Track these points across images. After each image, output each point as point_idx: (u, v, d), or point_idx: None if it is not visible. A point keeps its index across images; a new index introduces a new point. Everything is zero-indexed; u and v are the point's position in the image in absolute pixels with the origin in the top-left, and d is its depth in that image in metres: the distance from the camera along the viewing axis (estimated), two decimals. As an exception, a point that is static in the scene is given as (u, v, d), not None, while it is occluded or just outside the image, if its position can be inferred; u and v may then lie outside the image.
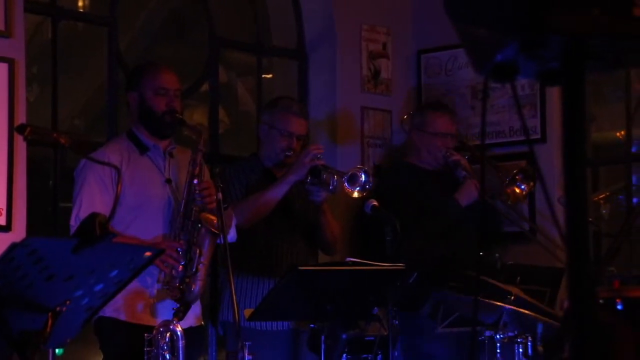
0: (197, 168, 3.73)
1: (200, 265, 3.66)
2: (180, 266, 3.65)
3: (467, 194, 4.69)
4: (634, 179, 5.27)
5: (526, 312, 3.90)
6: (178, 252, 3.65)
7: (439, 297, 4.17)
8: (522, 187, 4.71)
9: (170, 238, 3.72)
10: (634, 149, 5.33)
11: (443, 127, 4.82)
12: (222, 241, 3.61)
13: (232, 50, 5.41)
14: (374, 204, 4.15)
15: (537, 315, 3.91)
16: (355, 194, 4.13)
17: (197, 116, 5.47)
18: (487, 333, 4.00)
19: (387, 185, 4.87)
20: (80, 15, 5.14)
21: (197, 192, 3.70)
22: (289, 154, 4.29)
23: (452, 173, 4.78)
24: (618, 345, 2.76)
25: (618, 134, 5.59)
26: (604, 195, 5.48)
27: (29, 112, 4.17)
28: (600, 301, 2.74)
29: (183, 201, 3.72)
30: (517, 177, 4.72)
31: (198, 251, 3.67)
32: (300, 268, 3.65)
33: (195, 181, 3.71)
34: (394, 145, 5.33)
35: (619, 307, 2.75)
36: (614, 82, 5.47)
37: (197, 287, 3.65)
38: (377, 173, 5.17)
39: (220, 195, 3.64)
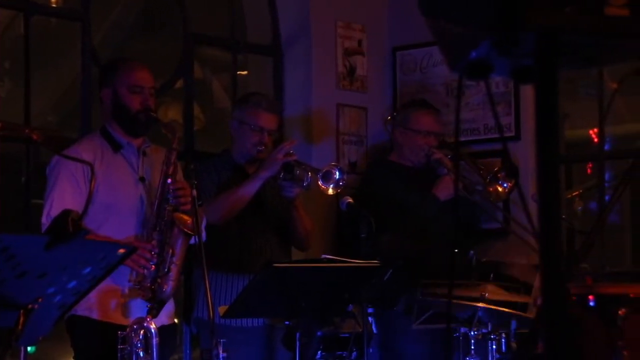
0: (171, 167, 3.70)
1: (173, 265, 3.64)
2: (152, 266, 3.63)
3: (445, 189, 4.70)
4: (606, 176, 5.31)
5: (500, 308, 3.92)
6: (150, 252, 3.63)
7: (412, 299, 4.18)
8: (505, 185, 4.72)
9: (143, 238, 3.70)
10: (606, 147, 5.37)
11: (427, 126, 4.83)
12: (196, 239, 3.60)
13: (207, 46, 5.40)
14: (349, 201, 4.15)
15: (512, 311, 3.93)
16: (330, 191, 4.13)
17: (172, 113, 5.45)
18: (462, 329, 4.01)
19: (368, 181, 4.88)
20: (53, 10, 5.10)
21: (171, 191, 3.68)
22: (260, 149, 4.28)
23: (434, 171, 4.80)
24: (590, 341, 2.78)
25: (591, 131, 5.63)
26: (577, 192, 5.52)
27: (1, 108, 4.14)
28: (573, 297, 2.76)
29: (156, 201, 3.69)
30: (498, 174, 4.72)
31: (170, 251, 3.64)
32: (275, 265, 3.64)
33: (169, 180, 3.69)
34: (377, 142, 5.34)
35: (591, 303, 2.77)
36: (587, 80, 5.51)
37: (169, 287, 3.63)
38: (354, 169, 5.18)
39: (194, 192, 3.63)
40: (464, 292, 4.00)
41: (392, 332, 4.56)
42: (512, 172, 4.74)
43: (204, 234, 3.87)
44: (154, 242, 3.66)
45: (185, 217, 3.64)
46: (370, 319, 3.86)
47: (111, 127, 3.85)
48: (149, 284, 3.63)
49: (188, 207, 3.64)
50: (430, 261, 4.52)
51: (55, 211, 3.57)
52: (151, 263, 3.63)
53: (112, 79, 3.83)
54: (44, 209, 3.69)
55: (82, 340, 3.74)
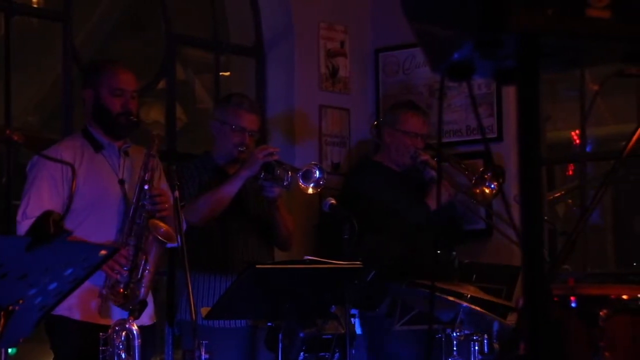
0: (149, 173, 3.68)
1: (146, 272, 3.63)
2: (126, 271, 3.62)
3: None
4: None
5: (482, 310, 3.93)
6: (124, 257, 3.61)
7: (395, 292, 4.18)
8: (492, 186, 4.72)
9: (118, 243, 3.68)
10: (588, 148, 5.39)
11: (414, 127, 4.83)
12: (180, 241, 3.59)
13: (190, 47, 5.38)
14: (332, 202, 4.15)
15: (493, 315, 3.94)
16: (310, 190, 4.13)
17: (154, 113, 5.43)
18: (446, 331, 4.02)
19: (353, 181, 4.88)
20: (34, 10, 5.08)
21: (148, 198, 3.66)
22: (241, 149, 4.28)
23: (420, 173, 4.80)
24: (571, 342, 2.79)
25: (573, 133, 5.66)
26: (559, 193, 5.54)
27: (-18, 109, 4.10)
28: (555, 299, 2.77)
29: (133, 206, 3.67)
30: (485, 176, 4.72)
31: (145, 258, 3.63)
32: (257, 266, 3.64)
33: (146, 187, 3.67)
34: (359, 143, 5.34)
35: (572, 304, 2.78)
36: (568, 82, 5.54)
37: (141, 293, 3.61)
38: (337, 171, 5.18)
39: (177, 193, 3.62)
40: (446, 293, 4.01)
41: (380, 333, 4.56)
42: (498, 173, 4.74)
43: (179, 240, 3.85)
44: (128, 248, 3.64)
45: (161, 224, 3.62)
46: (353, 320, 3.86)
47: (92, 127, 3.83)
48: (121, 289, 3.61)
49: (165, 213, 3.63)
50: (414, 262, 4.52)
51: (31, 210, 3.55)
52: (125, 268, 3.62)
53: (95, 80, 3.81)
54: (20, 207, 3.66)
55: (62, 342, 3.71)
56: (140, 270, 3.62)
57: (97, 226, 3.69)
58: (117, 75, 3.79)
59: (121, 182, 3.77)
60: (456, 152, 5.13)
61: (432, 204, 4.71)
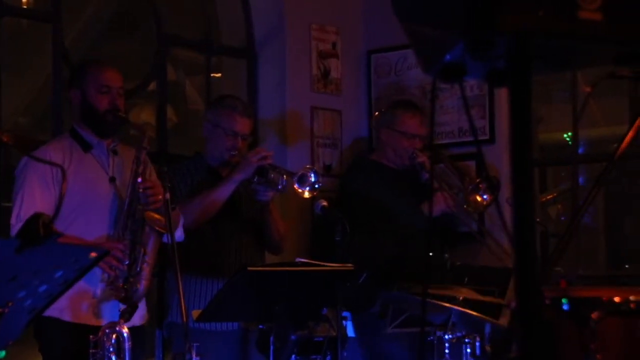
0: (141, 166, 3.69)
1: (145, 264, 3.63)
2: (125, 265, 3.61)
3: (436, 205, 4.69)
4: (580, 179, 5.34)
5: (474, 313, 3.93)
6: (122, 252, 3.62)
7: (388, 298, 4.18)
8: (485, 196, 4.71)
9: (114, 237, 3.68)
10: (580, 150, 5.40)
11: (412, 128, 4.81)
12: (170, 242, 3.58)
13: (181, 48, 5.37)
14: (324, 204, 4.15)
15: (485, 317, 3.94)
16: (306, 194, 4.12)
17: (145, 115, 5.42)
18: (438, 333, 4.01)
19: (348, 180, 4.87)
20: (23, 11, 5.06)
21: (141, 191, 3.66)
22: (233, 153, 4.27)
23: (417, 173, 4.78)
24: (563, 344, 2.79)
25: (565, 135, 5.66)
26: (551, 195, 5.55)
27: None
28: (547, 301, 2.76)
29: (127, 200, 3.68)
30: (480, 185, 4.72)
31: (142, 250, 3.64)
32: (249, 269, 3.63)
33: (139, 179, 3.68)
34: (351, 145, 5.33)
35: (565, 307, 2.78)
36: (561, 83, 5.54)
37: (141, 286, 3.62)
38: (329, 172, 5.17)
39: (168, 195, 3.61)
40: (438, 296, 4.00)
41: (373, 335, 4.55)
42: (493, 186, 4.73)
43: (182, 233, 3.87)
44: (125, 242, 3.64)
45: (157, 216, 3.63)
46: (345, 322, 3.85)
47: (80, 127, 3.83)
48: (121, 284, 3.62)
49: (158, 205, 3.63)
50: (406, 264, 4.52)
51: (25, 212, 3.54)
52: (123, 263, 3.62)
53: (81, 80, 3.82)
54: (14, 210, 3.65)
55: (51, 344, 3.70)
56: (139, 263, 3.63)
57: (90, 224, 3.70)
58: (102, 73, 3.81)
59: (112, 179, 3.77)
60: (448, 153, 5.13)
61: (427, 210, 4.70)
